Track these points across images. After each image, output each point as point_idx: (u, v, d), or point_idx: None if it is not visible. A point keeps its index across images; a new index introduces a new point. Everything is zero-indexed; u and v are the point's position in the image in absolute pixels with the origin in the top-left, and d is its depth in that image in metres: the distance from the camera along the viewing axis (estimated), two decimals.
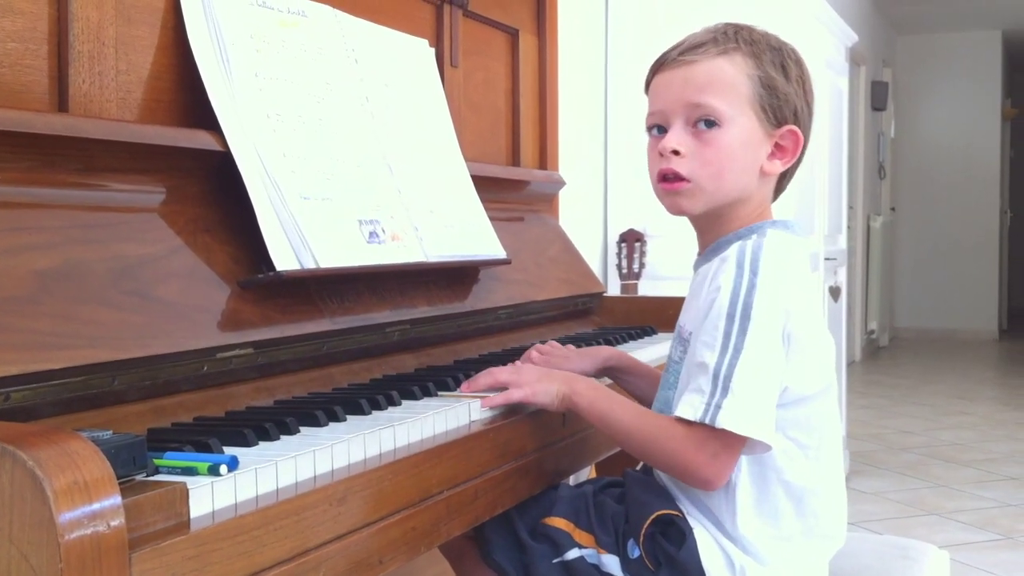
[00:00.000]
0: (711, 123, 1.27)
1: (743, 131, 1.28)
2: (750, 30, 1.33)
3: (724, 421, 1.17)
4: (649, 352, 1.87)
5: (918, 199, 9.91)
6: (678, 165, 1.29)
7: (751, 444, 1.21)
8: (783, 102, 1.29)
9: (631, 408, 1.30)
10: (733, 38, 1.30)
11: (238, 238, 1.33)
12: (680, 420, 1.21)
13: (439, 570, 1.70)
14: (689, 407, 1.20)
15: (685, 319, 1.35)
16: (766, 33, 1.34)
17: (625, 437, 1.28)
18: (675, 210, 1.32)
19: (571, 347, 1.62)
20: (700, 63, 1.29)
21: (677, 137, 1.29)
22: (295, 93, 1.46)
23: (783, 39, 1.35)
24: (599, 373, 1.56)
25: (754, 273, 1.21)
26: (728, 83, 1.28)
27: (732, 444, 1.20)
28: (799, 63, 1.33)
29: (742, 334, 1.19)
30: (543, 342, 1.64)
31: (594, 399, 1.31)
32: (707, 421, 1.18)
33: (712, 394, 1.19)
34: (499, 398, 1.32)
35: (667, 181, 1.30)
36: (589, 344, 1.78)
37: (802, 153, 1.34)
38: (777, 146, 1.31)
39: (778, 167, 1.31)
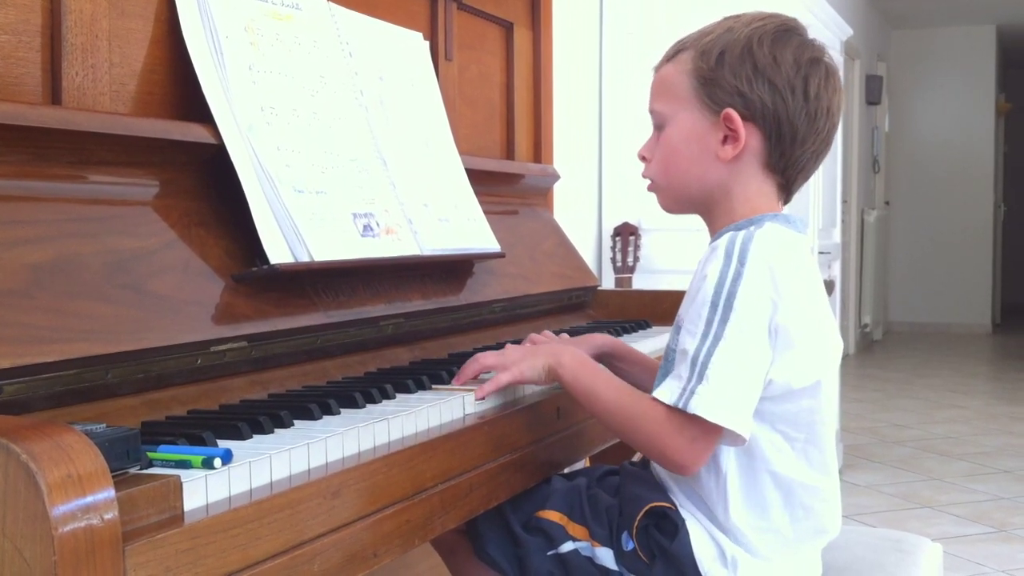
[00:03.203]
0: (661, 126, 1.36)
1: (683, 125, 1.33)
2: (735, 19, 1.34)
3: (696, 407, 1.18)
4: (643, 345, 1.87)
5: (912, 193, 9.92)
6: (644, 170, 1.40)
7: (729, 434, 1.21)
8: (717, 88, 1.30)
9: (615, 384, 1.31)
10: (696, 37, 1.35)
11: (232, 232, 1.33)
12: (660, 404, 1.21)
13: (433, 563, 1.70)
14: (667, 391, 1.21)
15: (682, 308, 1.35)
16: (753, 19, 1.33)
17: (606, 414, 1.29)
18: (661, 208, 1.42)
19: (565, 336, 1.62)
20: (656, 73, 1.39)
21: (646, 144, 1.39)
22: (289, 87, 1.46)
23: (778, 22, 1.33)
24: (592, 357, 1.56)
25: (741, 263, 1.21)
26: (668, 85, 1.35)
27: (710, 431, 1.20)
28: (776, 44, 1.30)
29: (723, 323, 1.19)
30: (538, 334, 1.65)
31: (578, 373, 1.32)
32: (680, 406, 1.19)
33: (688, 379, 1.19)
34: (489, 385, 1.33)
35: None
36: None
37: (780, 137, 1.30)
38: (729, 130, 1.31)
39: (729, 152, 1.31)
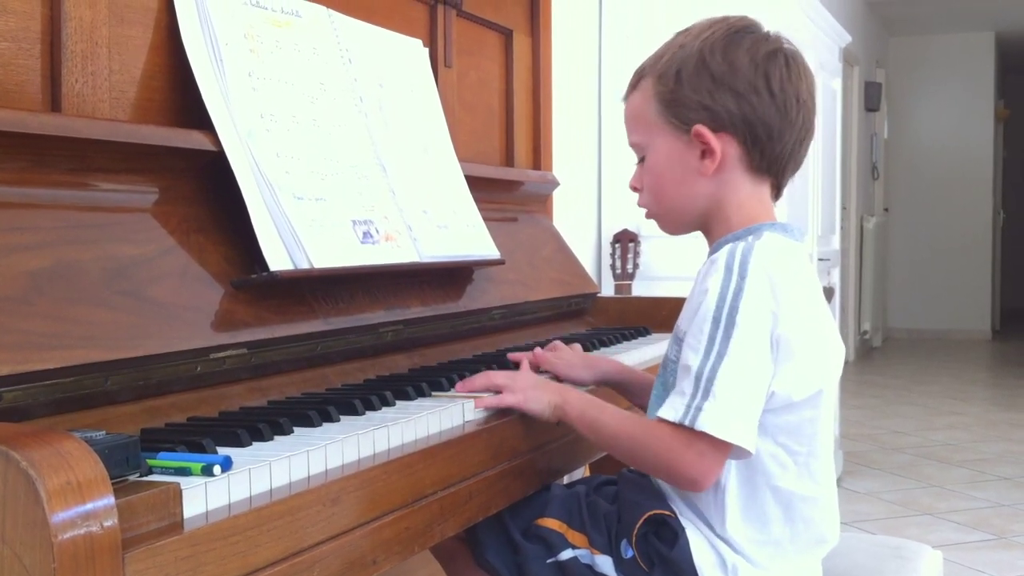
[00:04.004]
0: (643, 156, 1.37)
1: (661, 151, 1.34)
2: (685, 35, 1.34)
3: (704, 424, 1.18)
4: (643, 353, 1.87)
5: (911, 200, 9.92)
6: (639, 200, 1.40)
7: (736, 449, 1.20)
8: (682, 107, 1.30)
9: (619, 414, 1.31)
10: (652, 61, 1.35)
11: (231, 238, 1.33)
12: (666, 423, 1.21)
13: (432, 570, 1.70)
14: (671, 409, 1.21)
15: (682, 319, 1.35)
16: (702, 29, 1.33)
17: (614, 442, 1.29)
18: (664, 233, 1.43)
19: (577, 347, 1.61)
20: (625, 106, 1.40)
21: (634, 175, 1.39)
22: (289, 93, 1.46)
23: (727, 25, 1.32)
24: (597, 383, 1.56)
25: (742, 277, 1.21)
26: (638, 115, 1.36)
27: (719, 446, 1.20)
28: (728, 49, 1.29)
29: (727, 338, 1.19)
30: (544, 341, 1.64)
31: (584, 409, 1.33)
32: (687, 423, 1.18)
33: (694, 396, 1.19)
34: (492, 400, 1.33)
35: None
36: (585, 344, 1.78)
37: (756, 138, 1.29)
38: (703, 145, 1.30)
39: (709, 167, 1.30)
